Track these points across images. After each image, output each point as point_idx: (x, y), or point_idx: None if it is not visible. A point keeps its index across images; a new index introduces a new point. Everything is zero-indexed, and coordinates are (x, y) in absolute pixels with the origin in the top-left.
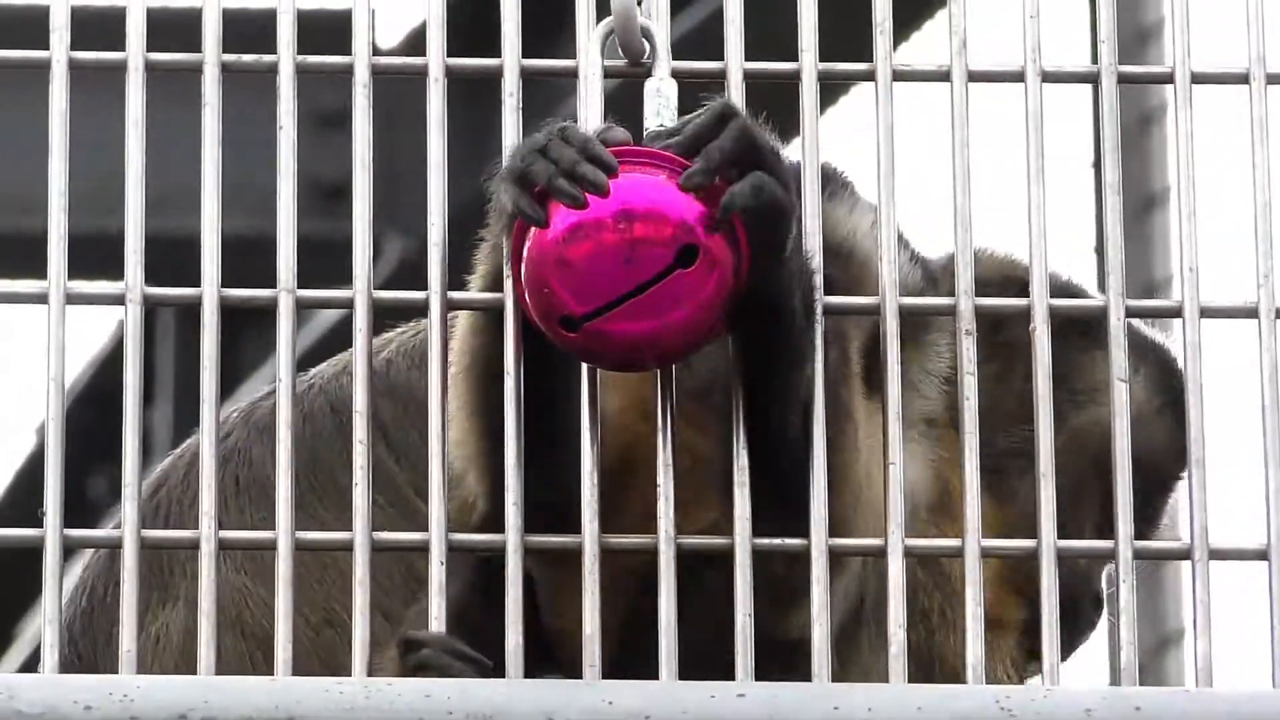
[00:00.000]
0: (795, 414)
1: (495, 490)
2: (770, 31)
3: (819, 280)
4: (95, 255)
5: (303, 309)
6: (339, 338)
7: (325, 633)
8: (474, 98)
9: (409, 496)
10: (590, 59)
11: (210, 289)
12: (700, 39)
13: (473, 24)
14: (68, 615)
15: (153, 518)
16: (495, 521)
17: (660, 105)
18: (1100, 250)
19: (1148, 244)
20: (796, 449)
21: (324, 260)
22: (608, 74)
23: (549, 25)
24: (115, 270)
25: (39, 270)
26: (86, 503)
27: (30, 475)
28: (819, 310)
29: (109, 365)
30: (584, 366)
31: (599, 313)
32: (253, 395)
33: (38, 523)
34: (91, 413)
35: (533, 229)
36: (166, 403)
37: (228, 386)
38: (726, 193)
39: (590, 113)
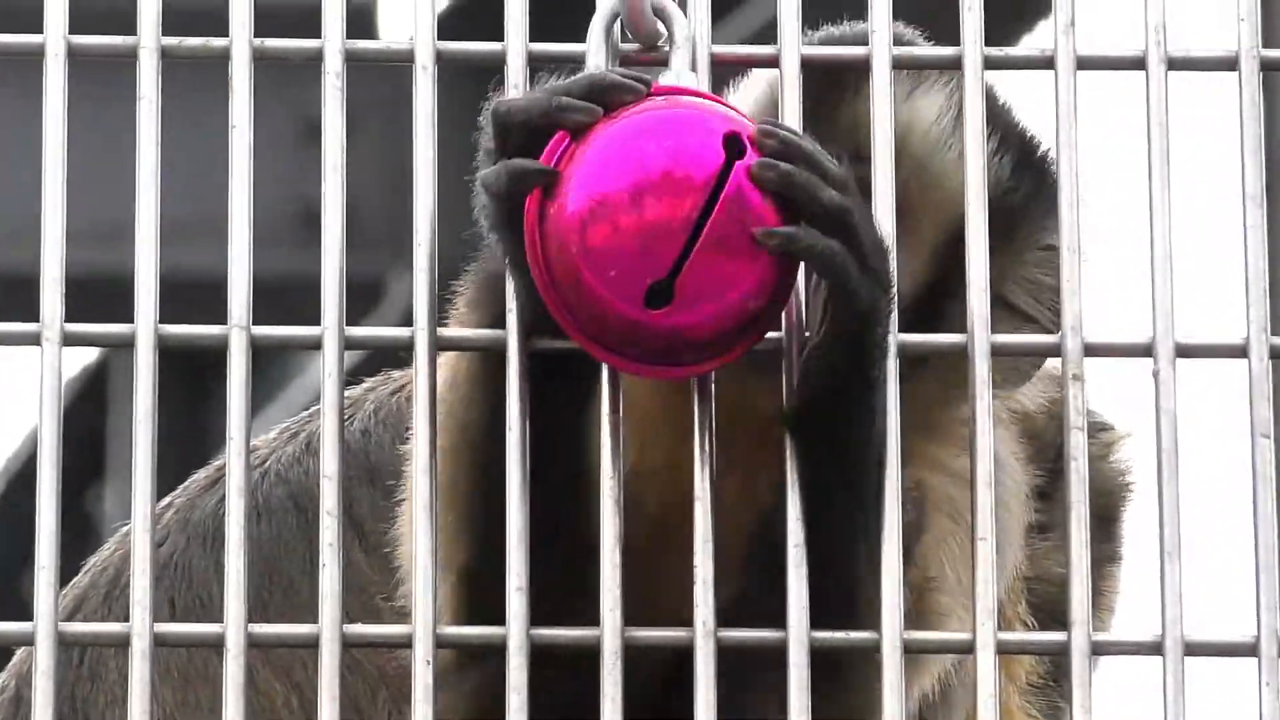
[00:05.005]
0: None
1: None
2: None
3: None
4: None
5: (261, 350)
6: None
7: None
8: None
9: (380, 608)
10: (592, 49)
11: (146, 325)
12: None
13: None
14: None
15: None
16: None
17: None
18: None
19: None
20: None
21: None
22: (623, 62)
23: (574, 7)
24: (123, 310)
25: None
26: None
27: None
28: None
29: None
30: (604, 413)
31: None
32: (191, 481)
33: None
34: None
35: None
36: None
37: (195, 449)
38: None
39: None
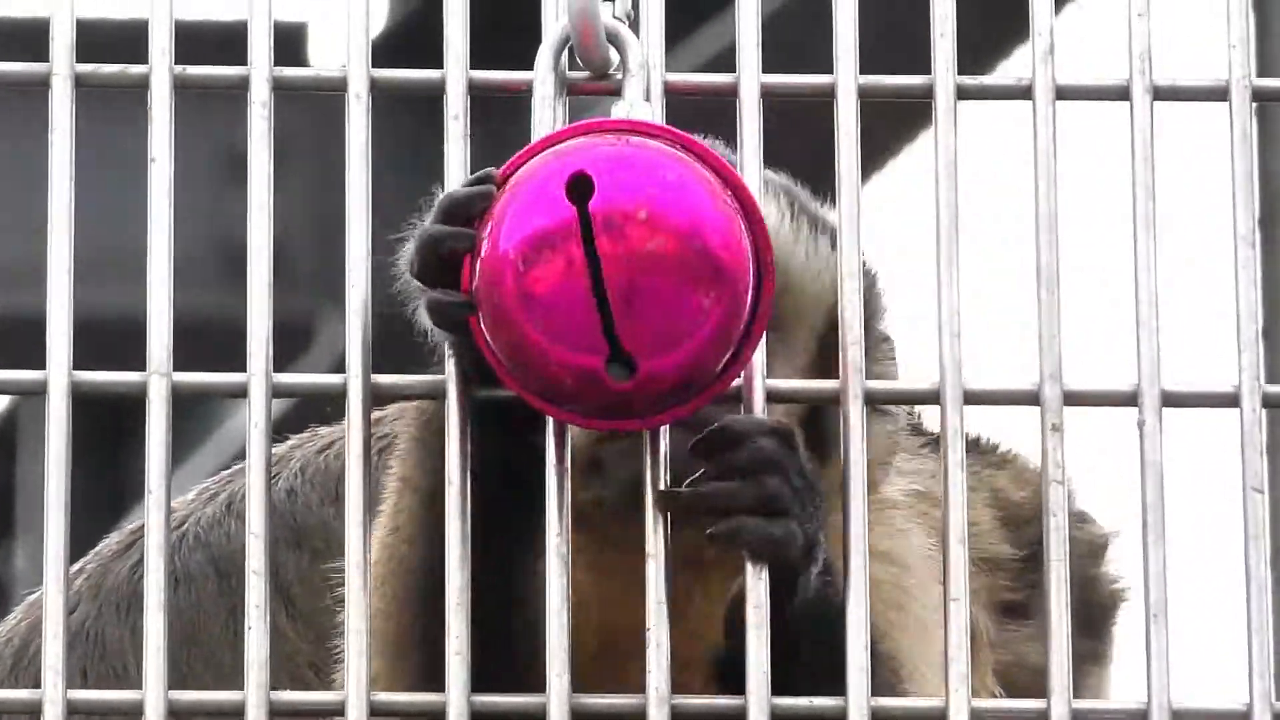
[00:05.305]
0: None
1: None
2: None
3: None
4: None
5: (182, 397)
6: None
7: None
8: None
9: (310, 680)
10: (539, 77)
11: (59, 372)
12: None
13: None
14: None
15: None
16: None
17: None
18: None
19: None
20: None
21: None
22: (571, 90)
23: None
24: (35, 355)
25: None
26: None
27: None
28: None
29: None
30: (549, 464)
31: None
32: (103, 546)
33: None
34: None
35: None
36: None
37: (111, 501)
38: (720, 526)
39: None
